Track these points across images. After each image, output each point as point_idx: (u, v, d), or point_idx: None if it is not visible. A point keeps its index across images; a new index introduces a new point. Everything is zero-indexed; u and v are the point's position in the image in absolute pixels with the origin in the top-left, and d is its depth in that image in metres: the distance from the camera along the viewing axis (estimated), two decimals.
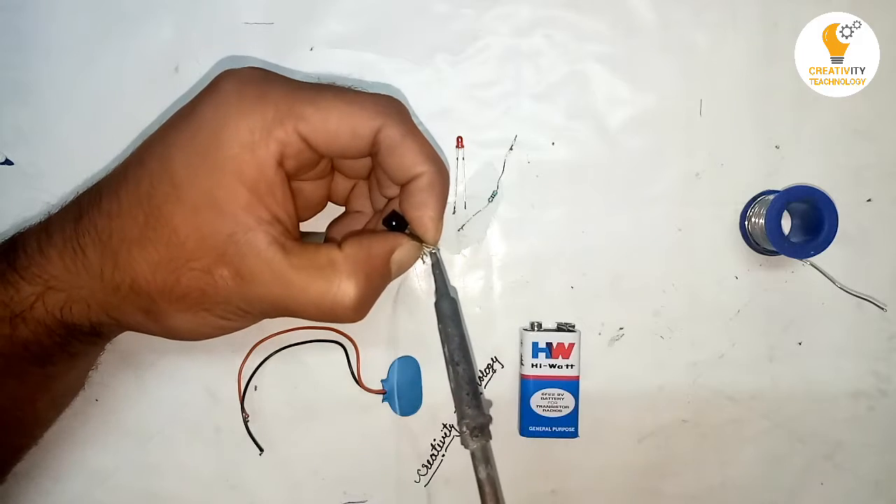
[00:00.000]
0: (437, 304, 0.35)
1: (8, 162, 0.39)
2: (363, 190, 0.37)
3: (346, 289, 0.30)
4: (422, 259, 0.35)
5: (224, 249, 0.29)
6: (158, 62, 0.39)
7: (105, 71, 0.39)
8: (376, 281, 0.32)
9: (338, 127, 0.30)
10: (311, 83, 0.31)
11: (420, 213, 0.32)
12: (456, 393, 0.33)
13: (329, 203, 0.38)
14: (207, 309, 0.31)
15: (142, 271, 0.29)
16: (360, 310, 0.31)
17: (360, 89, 0.32)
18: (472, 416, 0.33)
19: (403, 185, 0.33)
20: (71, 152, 0.39)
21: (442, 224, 0.33)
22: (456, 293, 0.39)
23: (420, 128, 0.32)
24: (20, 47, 0.39)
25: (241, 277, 0.29)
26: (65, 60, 0.39)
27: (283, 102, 0.29)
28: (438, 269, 0.36)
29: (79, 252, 0.30)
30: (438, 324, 0.35)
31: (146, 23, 0.39)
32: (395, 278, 0.33)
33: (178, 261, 0.29)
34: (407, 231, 0.33)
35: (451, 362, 0.33)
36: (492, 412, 0.40)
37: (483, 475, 0.32)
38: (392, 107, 0.31)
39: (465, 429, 0.33)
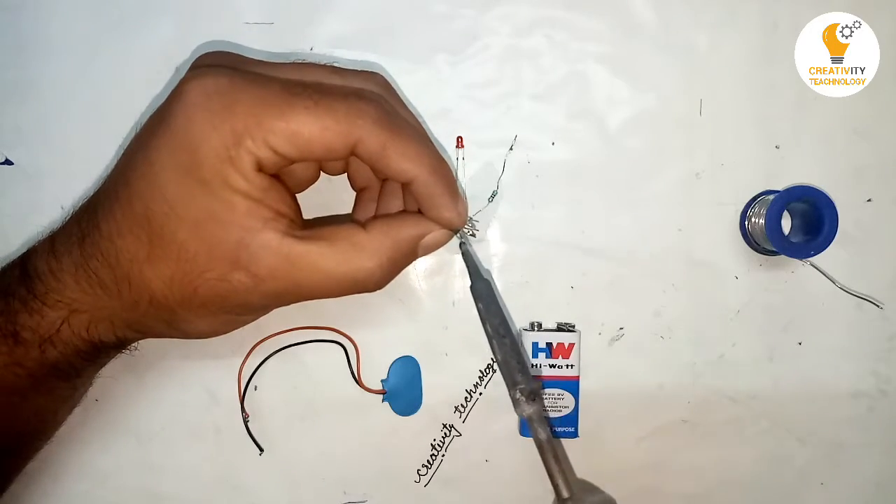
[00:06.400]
0: (472, 287, 0.36)
1: (8, 162, 0.39)
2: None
3: (369, 268, 0.31)
4: (460, 240, 0.37)
5: (236, 255, 0.29)
6: (158, 62, 0.39)
7: (105, 71, 0.39)
8: (400, 262, 0.32)
9: (309, 142, 0.28)
10: (281, 86, 0.29)
11: (433, 215, 0.33)
12: (504, 364, 0.34)
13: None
14: (228, 311, 0.31)
15: (158, 287, 0.30)
16: (381, 284, 0.32)
17: (340, 77, 0.31)
18: (525, 382, 0.33)
19: (404, 186, 0.32)
20: (71, 152, 0.39)
21: (461, 205, 0.33)
22: (490, 275, 0.40)
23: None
24: (20, 47, 0.39)
25: (259, 277, 0.29)
26: (65, 60, 0.39)
27: (251, 116, 0.28)
28: (469, 256, 0.37)
29: (92, 276, 0.30)
30: (477, 304, 0.35)
31: (146, 23, 0.39)
32: (421, 257, 0.34)
33: (192, 273, 0.29)
34: None
35: (495, 336, 0.34)
36: (491, 412, 0.40)
37: (542, 437, 0.32)
38: (369, 114, 0.29)
39: (519, 395, 0.33)
